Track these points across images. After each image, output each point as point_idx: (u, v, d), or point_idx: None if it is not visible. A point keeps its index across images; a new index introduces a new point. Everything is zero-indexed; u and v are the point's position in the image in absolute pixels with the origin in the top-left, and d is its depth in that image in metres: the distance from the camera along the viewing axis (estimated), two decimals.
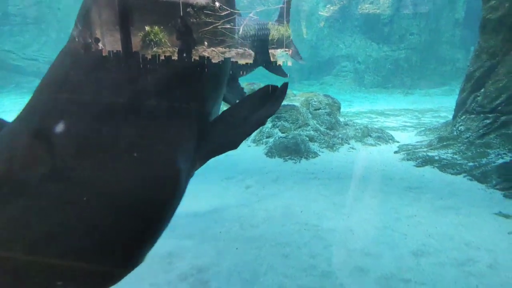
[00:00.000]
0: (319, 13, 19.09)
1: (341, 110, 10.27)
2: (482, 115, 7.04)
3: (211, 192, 5.49)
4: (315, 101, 8.38)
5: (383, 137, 8.32)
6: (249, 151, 7.47)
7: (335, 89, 17.59)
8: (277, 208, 4.99)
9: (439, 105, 14.21)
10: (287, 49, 8.19)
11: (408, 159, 7.08)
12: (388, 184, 5.99)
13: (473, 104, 7.32)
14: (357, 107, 13.92)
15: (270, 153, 7.16)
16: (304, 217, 4.71)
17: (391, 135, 8.57)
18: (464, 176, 6.15)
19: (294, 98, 8.83)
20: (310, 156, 7.16)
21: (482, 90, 7.19)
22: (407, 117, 11.81)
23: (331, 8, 19.14)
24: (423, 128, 9.47)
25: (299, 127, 7.71)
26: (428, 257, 3.86)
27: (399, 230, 4.43)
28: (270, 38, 6.93)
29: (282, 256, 3.82)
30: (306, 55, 18.94)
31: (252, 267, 3.60)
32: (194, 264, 3.61)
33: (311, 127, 7.79)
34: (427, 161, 6.81)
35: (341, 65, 18.33)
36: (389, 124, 10.68)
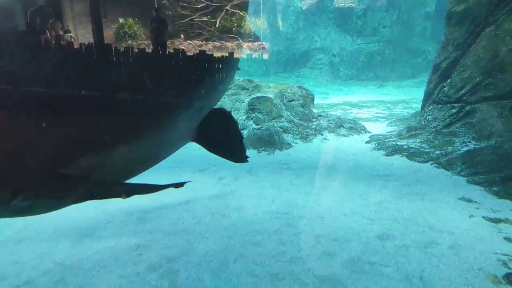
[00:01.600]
0: (294, 5, 19.15)
1: (317, 102, 10.40)
2: (448, 104, 7.29)
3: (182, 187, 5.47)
4: (289, 93, 8.44)
5: (355, 127, 8.48)
6: None
7: (311, 81, 17.75)
8: (249, 198, 5.03)
9: (411, 96, 14.60)
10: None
11: (378, 149, 7.26)
12: (358, 172, 6.13)
13: (440, 95, 7.56)
14: (332, 99, 14.13)
15: (244, 145, 7.18)
16: (275, 206, 4.77)
17: (363, 126, 8.75)
18: (431, 164, 6.37)
19: (268, 90, 8.87)
20: (284, 147, 7.23)
21: (448, 80, 7.44)
22: (379, 109, 12.08)
23: (307, 1, 19.23)
24: (394, 119, 9.72)
25: (273, 119, 7.76)
26: (393, 240, 3.99)
27: (366, 216, 4.55)
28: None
29: (253, 244, 3.87)
30: (282, 47, 19.00)
31: (222, 256, 3.63)
32: (164, 255, 3.61)
33: (285, 119, 7.86)
34: (396, 150, 7.01)
35: (316, 58, 18.50)
36: (362, 115, 10.90)
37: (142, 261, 3.51)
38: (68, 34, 10.11)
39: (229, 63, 3.70)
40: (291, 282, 3.26)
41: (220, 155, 3.67)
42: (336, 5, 18.35)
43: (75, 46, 2.63)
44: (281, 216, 4.50)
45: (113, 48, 2.46)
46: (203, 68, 3.19)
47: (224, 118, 3.68)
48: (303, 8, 19.11)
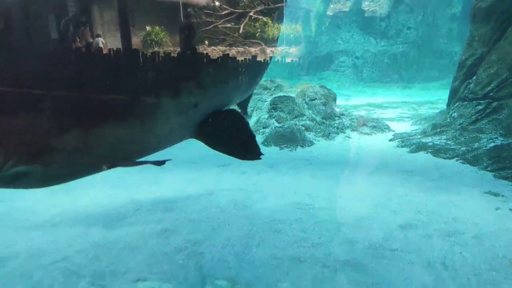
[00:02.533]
0: (317, 9, 19.26)
1: (339, 103, 10.41)
2: (474, 101, 7.16)
3: (207, 178, 5.65)
4: (310, 92, 8.52)
5: (378, 126, 8.44)
6: None
7: (334, 83, 17.71)
8: (271, 190, 5.13)
9: (437, 97, 14.32)
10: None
11: (402, 146, 7.21)
12: (381, 168, 6.12)
13: (465, 92, 7.44)
14: (355, 101, 14.06)
15: (266, 142, 7.31)
16: (297, 198, 4.85)
17: (387, 125, 8.69)
18: (457, 160, 6.27)
19: (290, 89, 8.98)
20: (306, 144, 7.30)
21: (474, 77, 7.31)
22: (404, 109, 11.93)
23: (330, 5, 19.30)
24: (419, 118, 9.59)
25: (295, 117, 7.85)
26: (415, 230, 3.99)
27: (389, 208, 4.56)
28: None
29: (275, 231, 3.96)
30: (304, 50, 19.10)
31: (245, 241, 3.75)
32: (189, 239, 3.76)
33: (307, 117, 7.93)
34: (420, 147, 6.94)
35: (339, 60, 18.47)
36: (386, 115, 10.81)
37: (169, 243, 3.67)
38: (100, 38, 10.61)
39: (238, 65, 3.64)
40: (312, 265, 3.33)
41: (227, 154, 3.52)
42: (360, 8, 18.32)
43: (104, 52, 2.85)
44: (302, 206, 4.58)
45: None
46: (191, 65, 3.13)
47: (233, 118, 3.53)
48: (326, 12, 19.18)
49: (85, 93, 2.37)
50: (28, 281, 2.99)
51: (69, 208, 4.39)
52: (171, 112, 2.84)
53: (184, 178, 5.60)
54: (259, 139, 7.60)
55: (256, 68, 4.25)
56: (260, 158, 3.50)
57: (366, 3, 18.40)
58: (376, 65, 17.66)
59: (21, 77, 2.18)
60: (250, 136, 3.53)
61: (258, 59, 4.43)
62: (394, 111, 11.59)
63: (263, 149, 7.18)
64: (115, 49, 2.64)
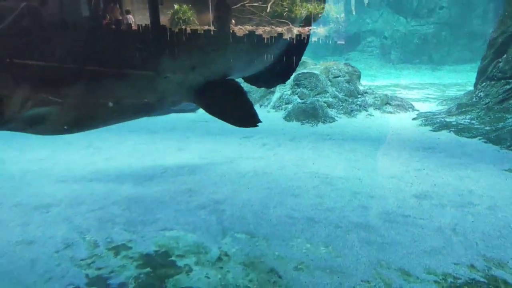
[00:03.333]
0: None
1: (364, 83, 10.35)
2: (502, 80, 7.00)
3: (229, 147, 5.90)
4: (334, 69, 8.54)
5: (402, 105, 8.40)
6: (268, 116, 7.79)
7: (361, 64, 17.44)
8: (291, 160, 5.33)
9: (467, 80, 13.90)
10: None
11: (425, 125, 7.19)
12: (401, 145, 6.17)
13: (494, 70, 7.27)
14: (381, 82, 13.87)
15: (288, 117, 7.46)
16: (315, 168, 5.03)
17: (411, 104, 8.63)
18: (479, 139, 6.23)
19: (315, 67, 9.02)
20: (328, 120, 7.40)
21: (504, 56, 7.13)
22: (431, 90, 11.71)
23: None
24: (445, 99, 9.44)
25: (318, 94, 7.93)
26: (430, 200, 4.10)
27: (405, 180, 4.66)
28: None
29: (292, 195, 4.18)
30: (331, 30, 18.82)
31: (264, 202, 3.99)
32: (211, 198, 4.03)
33: (330, 94, 7.99)
34: (443, 126, 6.90)
35: (367, 41, 18.11)
36: (411, 96, 10.67)
37: (193, 201, 3.96)
38: (130, 15, 10.93)
39: (241, 38, 3.57)
40: (325, 225, 3.54)
41: (223, 120, 3.59)
42: None
43: (134, 28, 3.12)
44: (320, 175, 4.76)
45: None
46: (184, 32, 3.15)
47: (230, 88, 3.55)
48: None
49: (103, 55, 2.66)
50: (69, 224, 3.35)
51: (102, 167, 4.76)
52: (170, 72, 2.99)
53: (206, 147, 5.87)
54: (281, 114, 7.76)
55: (266, 44, 4.16)
56: (257, 125, 3.55)
57: None
58: (405, 46, 17.22)
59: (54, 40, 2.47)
60: (248, 105, 3.61)
61: (271, 37, 4.34)
62: (420, 92, 11.40)
63: (285, 124, 7.38)
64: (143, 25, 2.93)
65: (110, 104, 2.80)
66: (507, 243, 3.29)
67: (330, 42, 17.96)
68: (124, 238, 3.17)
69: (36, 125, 2.55)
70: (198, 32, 3.31)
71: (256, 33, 3.93)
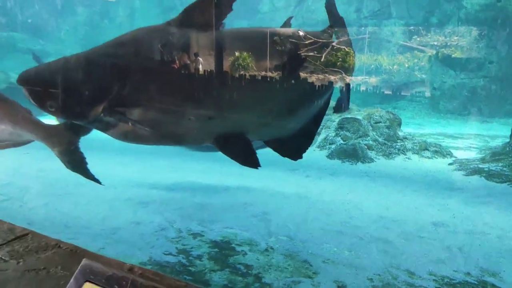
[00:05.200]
0: (396, 40, 19.94)
1: (410, 130, 11.12)
2: None
3: (277, 176, 6.98)
4: (376, 116, 9.48)
5: (440, 151, 9.03)
6: (314, 153, 8.83)
7: (409, 113, 18.02)
8: (329, 189, 6.28)
9: None
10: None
11: (459, 170, 7.78)
12: (433, 185, 6.86)
13: None
14: (427, 130, 14.37)
15: (331, 156, 8.45)
16: (349, 197, 5.93)
17: (450, 151, 9.21)
18: (508, 184, 6.74)
19: (358, 112, 10.01)
20: (366, 161, 8.27)
21: None
22: (475, 141, 12.05)
23: (411, 36, 19.87)
24: (486, 149, 9.87)
25: (359, 137, 8.87)
26: (446, 227, 4.82)
27: (428, 211, 5.41)
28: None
29: (326, 214, 5.12)
30: (381, 80, 19.80)
31: (303, 217, 4.98)
32: (262, 210, 5.10)
33: (370, 138, 8.90)
34: (476, 171, 7.47)
35: (415, 91, 18.77)
36: (454, 144, 11.14)
37: (247, 211, 5.06)
38: (199, 58, 12.84)
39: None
40: (351, 237, 4.43)
41: (233, 159, 3.70)
42: (440, 40, 18.61)
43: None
44: (352, 202, 5.64)
45: None
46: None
47: (240, 141, 3.64)
48: (405, 43, 19.76)
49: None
50: (161, 216, 4.59)
51: (180, 180, 6.08)
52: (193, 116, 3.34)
53: (258, 174, 6.93)
54: (324, 153, 8.77)
55: (284, 101, 3.77)
56: (257, 168, 3.66)
57: (449, 37, 18.63)
58: (454, 98, 17.62)
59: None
60: (252, 154, 3.67)
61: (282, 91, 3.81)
62: (465, 142, 11.81)
63: (327, 161, 8.38)
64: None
65: (150, 130, 3.27)
66: (505, 261, 3.96)
67: (378, 91, 18.88)
68: (199, 229, 4.33)
69: (109, 129, 3.31)
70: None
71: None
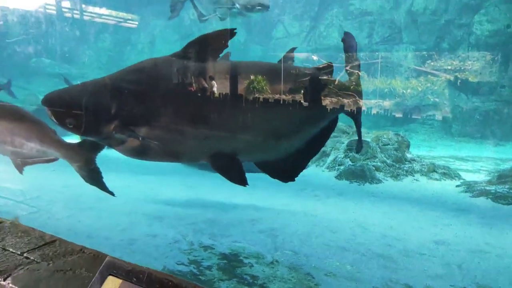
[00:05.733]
0: (408, 65, 20.29)
1: (421, 153, 11.30)
2: None
3: (285, 195, 7.23)
4: (384, 138, 9.71)
5: (449, 174, 9.15)
6: (323, 174, 9.08)
7: (421, 135, 18.12)
8: (335, 208, 6.51)
9: None
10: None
11: (465, 192, 7.90)
12: (439, 206, 7.00)
13: None
14: (438, 153, 14.44)
15: (339, 176, 8.69)
16: (354, 215, 6.14)
17: (458, 173, 9.32)
18: None
19: (367, 135, 10.26)
20: (374, 182, 8.47)
21: None
22: (486, 163, 12.07)
23: (424, 60, 20.21)
24: (495, 171, 9.92)
25: (368, 158, 9.10)
26: (447, 245, 4.98)
27: (431, 230, 5.57)
28: None
29: (331, 231, 5.35)
30: (393, 103, 20.04)
31: (308, 233, 5.22)
32: (269, 227, 5.37)
33: (378, 159, 9.11)
34: (482, 193, 7.57)
35: (427, 114, 18.91)
36: (463, 167, 11.22)
37: (255, 227, 5.33)
38: (214, 82, 13.44)
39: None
40: (353, 253, 4.65)
41: (223, 176, 4.00)
42: (452, 65, 18.87)
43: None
44: (357, 221, 5.85)
45: None
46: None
47: (230, 162, 3.91)
48: (418, 68, 20.08)
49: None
50: (175, 229, 4.92)
51: (194, 198, 6.42)
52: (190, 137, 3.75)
53: (267, 194, 7.24)
54: (333, 173, 9.00)
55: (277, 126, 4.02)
56: (245, 186, 3.88)
57: (461, 62, 18.89)
58: (466, 121, 17.69)
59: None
60: (241, 173, 3.92)
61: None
62: (475, 164, 11.85)
63: (335, 182, 8.63)
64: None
65: (153, 146, 3.65)
66: (503, 278, 4.11)
67: (390, 114, 19.10)
68: (209, 242, 4.63)
69: (119, 145, 3.69)
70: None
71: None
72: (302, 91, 3.88)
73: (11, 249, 3.48)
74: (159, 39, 18.95)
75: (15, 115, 5.31)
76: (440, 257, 4.61)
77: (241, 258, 4.32)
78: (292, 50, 4.35)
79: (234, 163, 3.86)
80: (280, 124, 4.02)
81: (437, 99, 19.10)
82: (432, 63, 19.96)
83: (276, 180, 4.32)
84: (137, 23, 19.02)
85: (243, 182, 3.87)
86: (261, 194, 7.01)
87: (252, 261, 4.27)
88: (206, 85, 3.68)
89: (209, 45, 3.61)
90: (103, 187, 4.28)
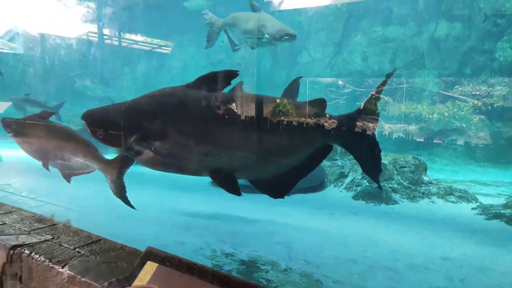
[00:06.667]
0: (431, 89, 20.48)
1: (442, 177, 11.50)
2: None
3: (301, 212, 7.71)
4: (401, 161, 10.04)
5: (466, 197, 9.32)
6: (340, 194, 9.48)
7: (444, 160, 18.09)
8: (349, 226, 6.92)
9: None
10: None
11: (481, 214, 8.08)
12: (452, 227, 7.25)
13: None
14: (460, 177, 14.44)
15: (356, 197, 9.06)
16: (367, 233, 6.53)
17: (475, 197, 9.47)
18: None
19: (385, 158, 10.60)
20: (390, 203, 8.78)
21: None
22: (508, 188, 12.04)
23: (440, 84, 20.38)
24: None
25: (385, 180, 9.43)
26: (453, 261, 5.30)
27: (440, 248, 5.87)
28: None
29: (342, 245, 5.77)
30: (417, 127, 20.17)
31: (320, 246, 5.67)
32: (285, 240, 5.85)
33: (395, 181, 9.43)
34: (497, 216, 7.75)
35: (451, 138, 18.90)
36: (484, 191, 11.27)
37: (272, 239, 5.84)
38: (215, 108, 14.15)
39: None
40: (362, 265, 5.06)
41: (222, 188, 4.60)
42: (476, 90, 18.94)
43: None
44: (369, 238, 6.24)
45: None
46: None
47: (229, 179, 4.51)
48: (441, 91, 20.24)
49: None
50: (201, 238, 5.50)
51: (219, 212, 7.01)
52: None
53: (283, 211, 7.75)
54: (351, 194, 9.39)
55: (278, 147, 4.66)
56: (240, 196, 4.41)
57: (485, 87, 18.95)
58: (491, 146, 17.57)
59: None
60: (235, 187, 4.51)
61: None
62: (497, 189, 11.86)
63: (352, 201, 9.03)
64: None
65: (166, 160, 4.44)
66: None
67: (411, 138, 19.22)
68: (230, 250, 5.18)
69: (138, 155, 4.47)
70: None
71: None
72: (292, 122, 4.47)
73: (65, 245, 4.18)
74: (191, 65, 20.18)
75: (65, 134, 6.23)
76: (444, 271, 4.94)
77: (258, 264, 4.83)
78: (298, 79, 4.91)
79: (230, 178, 4.51)
80: (269, 150, 4.65)
81: (461, 124, 19.09)
82: (454, 89, 20.07)
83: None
84: (171, 49, 20.43)
85: (238, 193, 4.48)
86: (279, 211, 7.52)
87: (268, 267, 4.77)
88: (209, 111, 4.47)
89: (216, 80, 4.39)
90: (125, 200, 5.04)
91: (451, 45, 20.18)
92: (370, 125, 4.56)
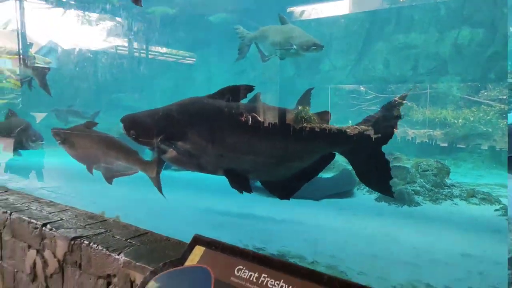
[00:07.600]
0: (453, 94, 20.40)
1: (466, 181, 11.62)
2: None
3: (328, 214, 8.09)
4: (424, 164, 10.25)
5: (489, 199, 9.43)
6: (363, 197, 9.79)
7: (469, 164, 17.94)
8: (371, 225, 7.26)
9: None
10: None
11: (503, 215, 8.22)
12: (472, 226, 7.47)
13: None
14: (485, 180, 14.37)
15: (378, 199, 9.35)
16: (388, 230, 6.84)
17: (498, 199, 9.55)
18: None
19: (408, 161, 10.83)
20: (412, 205, 9.02)
21: None
22: None
23: (469, 86, 20.27)
24: None
25: (407, 183, 9.68)
26: (473, 258, 5.56)
27: (460, 246, 6.14)
28: None
29: (365, 242, 6.14)
30: (441, 131, 20.11)
31: (343, 242, 6.05)
32: (312, 237, 6.27)
33: (418, 184, 9.66)
34: None
35: (476, 142, 18.74)
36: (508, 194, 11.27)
37: (298, 237, 6.26)
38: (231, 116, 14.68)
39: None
40: (383, 260, 5.41)
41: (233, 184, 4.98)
42: (500, 94, 18.76)
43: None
44: (391, 235, 6.55)
45: None
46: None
47: (239, 178, 4.98)
48: (463, 96, 20.14)
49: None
50: (235, 236, 6.00)
51: (250, 211, 7.51)
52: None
53: (304, 211, 8.16)
54: (373, 196, 9.68)
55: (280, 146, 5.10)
56: (250, 192, 4.90)
57: (510, 91, 18.74)
58: None
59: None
60: (247, 186, 4.99)
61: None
62: None
63: (375, 203, 9.33)
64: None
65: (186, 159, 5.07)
66: None
67: (434, 143, 19.19)
68: (261, 245, 5.64)
69: (163, 154, 5.13)
70: None
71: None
72: (298, 132, 4.80)
73: (118, 236, 4.76)
74: (216, 76, 20.97)
75: (108, 141, 6.97)
76: (463, 265, 5.23)
77: (286, 258, 5.27)
78: (310, 90, 5.32)
79: (243, 178, 5.03)
80: (280, 155, 5.08)
81: (487, 129, 18.89)
82: (478, 93, 19.92)
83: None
84: (195, 60, 21.37)
85: (248, 190, 5.01)
86: (307, 212, 7.95)
87: (296, 260, 5.20)
88: (226, 119, 5.01)
89: (234, 92, 4.93)
90: (161, 191, 5.73)
91: (474, 50, 20.09)
92: (375, 135, 4.66)
